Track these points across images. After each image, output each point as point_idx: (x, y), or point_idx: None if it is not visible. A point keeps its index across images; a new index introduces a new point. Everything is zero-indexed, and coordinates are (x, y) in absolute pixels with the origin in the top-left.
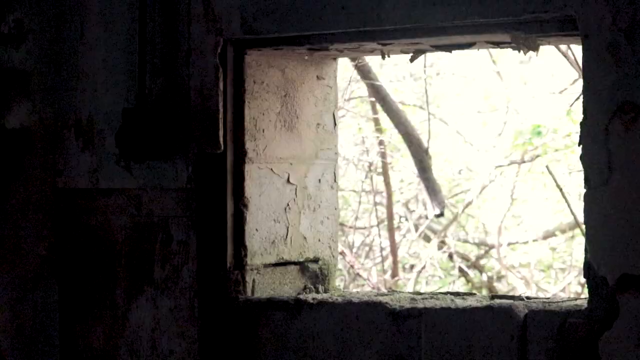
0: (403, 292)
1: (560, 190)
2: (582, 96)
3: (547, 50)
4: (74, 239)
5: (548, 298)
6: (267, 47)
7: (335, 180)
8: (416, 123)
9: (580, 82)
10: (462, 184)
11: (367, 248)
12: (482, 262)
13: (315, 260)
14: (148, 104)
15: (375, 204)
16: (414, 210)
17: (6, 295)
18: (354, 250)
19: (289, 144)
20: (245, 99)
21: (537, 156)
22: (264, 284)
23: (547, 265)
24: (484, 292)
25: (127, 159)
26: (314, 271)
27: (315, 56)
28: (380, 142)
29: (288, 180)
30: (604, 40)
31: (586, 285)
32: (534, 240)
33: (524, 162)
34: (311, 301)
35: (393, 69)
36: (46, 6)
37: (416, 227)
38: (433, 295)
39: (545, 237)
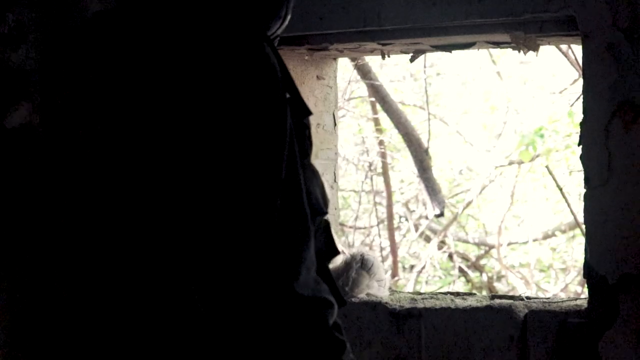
0: (403, 292)
1: (560, 190)
2: (582, 96)
3: (548, 50)
4: None
5: (548, 298)
6: None
7: (335, 180)
8: (416, 123)
9: (581, 82)
10: (462, 184)
11: (367, 248)
12: (482, 262)
13: None
14: None
15: (375, 204)
16: (414, 210)
17: None
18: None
19: None
20: None
21: (538, 156)
22: None
23: (547, 265)
24: (484, 292)
25: None
26: None
27: (315, 56)
28: (380, 142)
29: None
30: (604, 40)
31: (586, 285)
32: (534, 240)
33: (522, 162)
34: None
35: (393, 69)
36: (47, 5)
37: (416, 227)
38: (433, 295)
39: (545, 237)
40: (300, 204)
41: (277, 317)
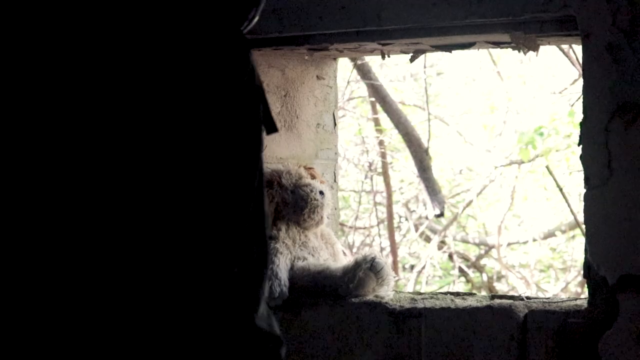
0: (403, 292)
1: (561, 190)
2: (582, 96)
3: (548, 50)
4: None
5: (548, 298)
6: (267, 47)
7: (335, 180)
8: (416, 123)
9: (581, 81)
10: (462, 184)
11: (367, 248)
12: (482, 262)
13: None
14: None
15: (375, 204)
16: (414, 210)
17: None
18: (354, 250)
19: (289, 144)
20: None
21: (538, 156)
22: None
23: (547, 265)
24: (484, 292)
25: None
26: None
27: (315, 56)
28: (380, 142)
29: None
30: (604, 40)
31: (586, 285)
32: (534, 240)
33: (522, 162)
34: (311, 301)
35: (393, 69)
36: None
37: (416, 227)
38: (433, 295)
39: (545, 237)
40: (262, 225)
41: (237, 349)
